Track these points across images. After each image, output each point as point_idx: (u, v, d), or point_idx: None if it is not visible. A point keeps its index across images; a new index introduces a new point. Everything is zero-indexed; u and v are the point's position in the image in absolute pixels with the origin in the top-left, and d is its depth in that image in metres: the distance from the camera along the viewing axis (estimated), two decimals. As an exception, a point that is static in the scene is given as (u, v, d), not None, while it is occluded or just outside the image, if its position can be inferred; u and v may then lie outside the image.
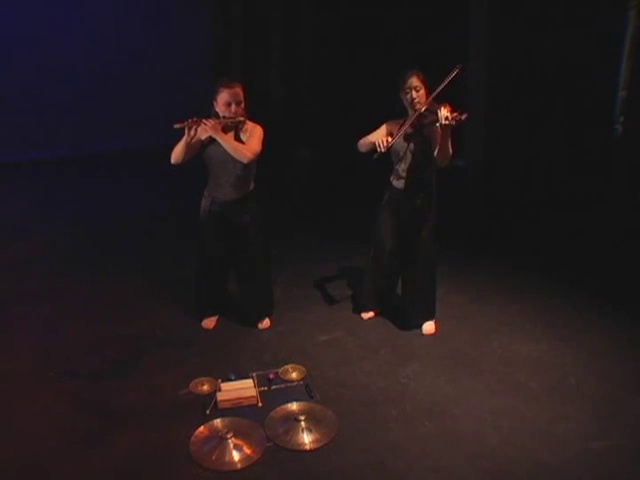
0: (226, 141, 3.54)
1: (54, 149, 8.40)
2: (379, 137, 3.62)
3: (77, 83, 8.53)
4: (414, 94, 3.64)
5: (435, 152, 3.61)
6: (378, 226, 4.00)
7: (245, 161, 3.57)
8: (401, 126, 3.69)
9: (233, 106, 3.57)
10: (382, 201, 3.97)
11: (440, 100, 3.53)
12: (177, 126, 3.46)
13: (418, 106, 3.64)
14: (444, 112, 3.38)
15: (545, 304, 4.41)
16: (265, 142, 3.69)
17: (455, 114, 3.38)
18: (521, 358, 3.76)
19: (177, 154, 3.61)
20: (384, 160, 3.80)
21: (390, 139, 3.56)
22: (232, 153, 3.56)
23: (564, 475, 2.83)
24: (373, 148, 3.62)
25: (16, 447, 2.98)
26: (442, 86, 3.50)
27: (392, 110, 3.83)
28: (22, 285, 4.72)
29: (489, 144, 6.83)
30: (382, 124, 3.84)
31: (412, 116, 3.64)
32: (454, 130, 3.49)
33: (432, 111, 3.55)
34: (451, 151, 3.59)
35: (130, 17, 8.73)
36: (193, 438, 3.01)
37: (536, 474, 2.83)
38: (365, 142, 3.79)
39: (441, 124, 3.42)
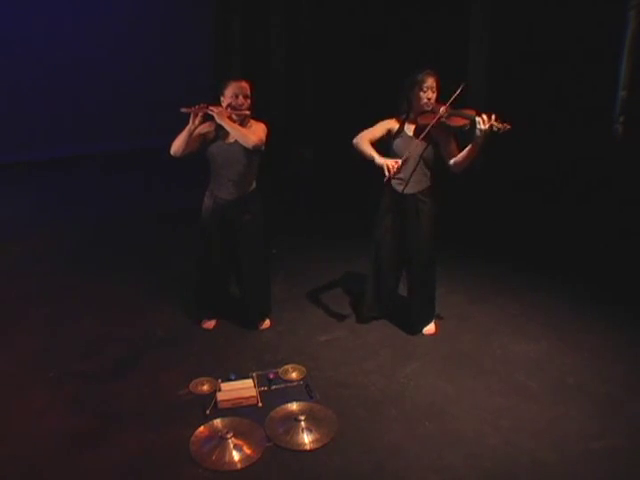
0: (232, 127, 3.58)
1: (54, 149, 8.39)
2: (387, 161, 3.56)
3: (78, 83, 8.53)
4: (430, 94, 3.61)
5: (448, 157, 3.64)
6: (378, 229, 3.94)
7: (250, 146, 3.58)
8: (418, 130, 3.66)
9: (240, 98, 3.62)
10: (381, 203, 3.92)
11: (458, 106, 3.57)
12: (184, 110, 3.52)
13: (429, 107, 3.62)
14: (487, 119, 3.34)
15: (545, 304, 4.41)
16: (266, 141, 3.70)
17: (497, 122, 3.34)
18: (521, 358, 3.76)
19: (177, 144, 3.63)
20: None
21: (397, 165, 3.53)
22: (238, 138, 3.59)
23: (564, 475, 2.83)
24: (370, 159, 3.63)
25: (15, 447, 2.98)
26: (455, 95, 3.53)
27: (391, 109, 3.83)
28: (23, 285, 4.72)
29: (488, 144, 6.82)
30: (383, 121, 3.80)
31: (432, 122, 3.55)
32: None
33: (461, 116, 3.50)
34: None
35: (131, 18, 8.72)
36: (193, 438, 3.01)
37: (536, 474, 2.83)
38: (364, 142, 3.70)
39: (481, 131, 3.39)
